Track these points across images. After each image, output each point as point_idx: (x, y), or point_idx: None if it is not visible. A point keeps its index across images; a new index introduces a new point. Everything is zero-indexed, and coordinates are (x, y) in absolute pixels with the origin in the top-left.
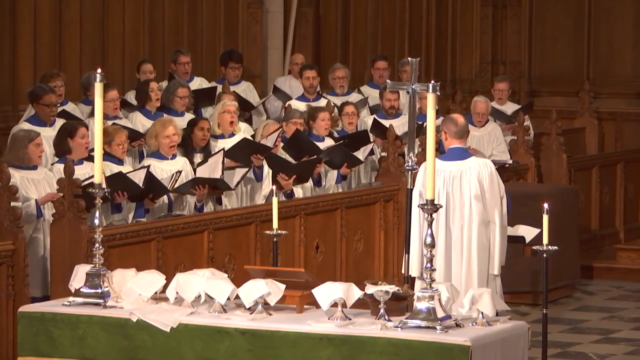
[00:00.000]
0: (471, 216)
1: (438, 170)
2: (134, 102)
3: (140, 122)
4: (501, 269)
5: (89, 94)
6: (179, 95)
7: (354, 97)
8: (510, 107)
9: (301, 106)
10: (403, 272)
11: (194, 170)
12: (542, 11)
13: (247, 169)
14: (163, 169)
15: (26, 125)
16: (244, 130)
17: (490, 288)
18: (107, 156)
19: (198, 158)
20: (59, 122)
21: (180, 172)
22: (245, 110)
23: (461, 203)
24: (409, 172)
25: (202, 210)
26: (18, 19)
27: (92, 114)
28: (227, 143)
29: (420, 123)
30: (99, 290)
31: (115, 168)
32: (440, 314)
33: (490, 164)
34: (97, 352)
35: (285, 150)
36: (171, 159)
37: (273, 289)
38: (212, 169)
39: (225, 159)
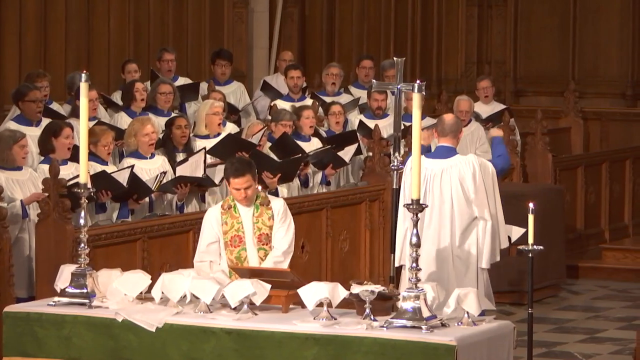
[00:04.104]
0: (452, 215)
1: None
2: (120, 102)
3: (125, 122)
4: (490, 265)
5: (73, 94)
6: (160, 91)
7: (345, 97)
8: (498, 107)
9: (286, 106)
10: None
11: (174, 169)
12: (527, 11)
13: None
14: (143, 169)
15: (12, 125)
16: (229, 130)
17: (472, 285)
18: (92, 156)
19: (180, 157)
20: (45, 121)
21: (165, 172)
22: (231, 113)
23: (440, 201)
24: (395, 172)
25: (182, 209)
26: (3, 18)
27: (73, 114)
28: (212, 143)
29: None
30: (85, 290)
31: (99, 168)
32: (425, 313)
33: (474, 162)
34: (83, 352)
35: (272, 151)
36: (150, 158)
37: (259, 289)
38: (193, 168)
39: (208, 156)
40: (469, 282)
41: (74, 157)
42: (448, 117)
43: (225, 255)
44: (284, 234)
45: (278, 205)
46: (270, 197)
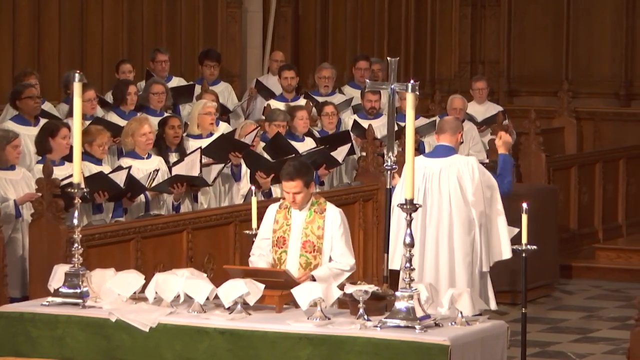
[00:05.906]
0: (451, 214)
1: (419, 166)
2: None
3: (114, 122)
4: (486, 267)
5: (69, 93)
6: (153, 91)
7: (338, 98)
8: (492, 107)
9: (280, 106)
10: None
11: (170, 169)
12: (521, 11)
13: (223, 165)
14: (139, 169)
15: (11, 125)
16: (223, 130)
17: (475, 286)
18: (86, 156)
19: (173, 157)
20: (43, 121)
21: (157, 170)
22: (223, 114)
23: (439, 201)
24: (388, 172)
25: (179, 209)
26: None
27: (70, 114)
28: (205, 143)
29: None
30: (78, 290)
31: (94, 168)
32: (419, 313)
33: (473, 162)
34: (76, 352)
35: (265, 151)
36: (147, 158)
37: (252, 289)
38: (189, 167)
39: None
40: (467, 283)
41: (70, 157)
42: (447, 117)
43: (271, 253)
44: (343, 248)
45: (332, 214)
46: (329, 204)
